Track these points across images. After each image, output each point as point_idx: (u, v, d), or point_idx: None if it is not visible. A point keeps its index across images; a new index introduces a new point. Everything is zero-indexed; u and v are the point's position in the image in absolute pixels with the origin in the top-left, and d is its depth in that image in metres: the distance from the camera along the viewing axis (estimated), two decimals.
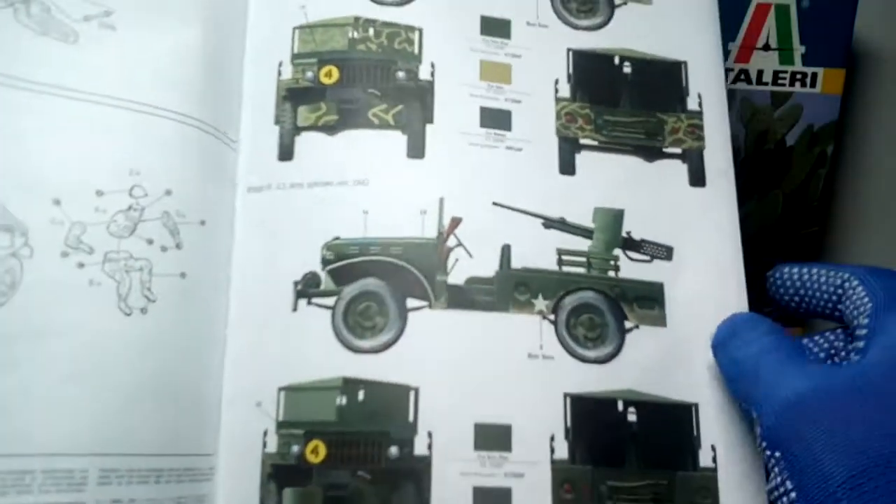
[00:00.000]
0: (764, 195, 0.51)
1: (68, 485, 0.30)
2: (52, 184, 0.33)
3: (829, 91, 0.51)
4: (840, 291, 0.36)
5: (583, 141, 0.41)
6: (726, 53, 0.50)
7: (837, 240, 0.54)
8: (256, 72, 0.40)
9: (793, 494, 0.29)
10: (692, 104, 0.42)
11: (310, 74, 0.40)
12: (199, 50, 0.38)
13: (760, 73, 0.51)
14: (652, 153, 0.41)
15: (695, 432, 0.37)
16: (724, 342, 0.36)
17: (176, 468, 0.33)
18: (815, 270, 0.37)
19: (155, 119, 0.36)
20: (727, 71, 0.51)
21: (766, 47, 0.51)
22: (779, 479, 0.30)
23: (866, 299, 0.33)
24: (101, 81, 0.35)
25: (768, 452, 0.31)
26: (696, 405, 0.37)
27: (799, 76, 0.51)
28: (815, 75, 0.51)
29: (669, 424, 0.37)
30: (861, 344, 0.32)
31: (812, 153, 0.51)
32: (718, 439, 0.37)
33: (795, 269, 0.38)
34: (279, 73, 0.40)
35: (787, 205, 0.52)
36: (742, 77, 0.51)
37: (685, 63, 0.42)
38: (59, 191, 0.33)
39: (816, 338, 0.38)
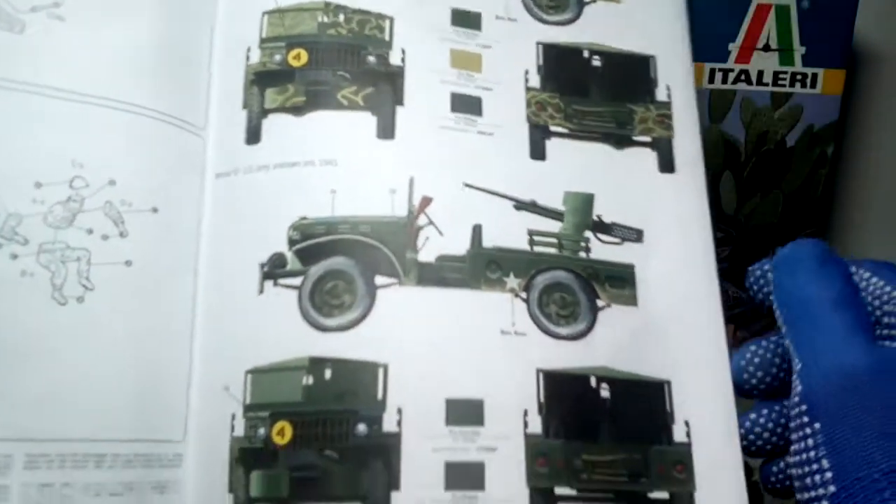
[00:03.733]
0: (764, 195, 0.51)
1: None
2: None
3: (830, 91, 0.51)
4: None
5: (553, 128, 0.41)
6: (726, 54, 0.51)
7: (837, 240, 0.54)
8: (225, 58, 0.40)
9: (828, 474, 0.28)
10: (661, 95, 0.42)
11: (278, 57, 0.39)
12: (155, 40, 0.38)
13: (761, 73, 0.51)
14: (621, 141, 0.41)
15: (668, 408, 0.36)
16: (791, 267, 0.33)
17: (123, 454, 0.32)
18: None
19: (101, 110, 0.36)
20: (727, 72, 0.52)
21: (767, 48, 0.51)
22: (812, 452, 0.28)
23: (888, 288, 0.32)
24: (46, 73, 0.35)
25: (805, 419, 0.29)
26: (669, 382, 0.37)
27: (799, 77, 0.51)
28: (815, 76, 0.51)
29: (642, 400, 0.36)
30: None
31: (812, 153, 0.52)
32: (692, 415, 0.36)
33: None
34: (248, 59, 0.40)
35: (787, 205, 0.52)
36: (742, 77, 0.52)
37: (653, 57, 0.43)
38: None
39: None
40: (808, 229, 0.52)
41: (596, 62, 0.42)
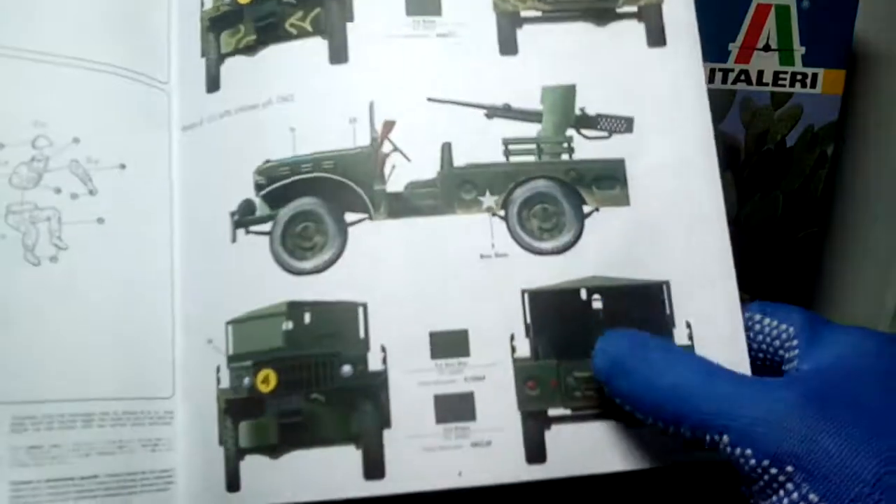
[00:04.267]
0: (764, 195, 0.51)
1: None
2: None
3: (830, 91, 0.51)
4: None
5: (524, 13, 0.37)
6: (726, 54, 0.50)
7: (837, 240, 0.54)
8: (182, 10, 0.39)
9: None
10: None
11: None
12: None
13: (761, 73, 0.51)
14: (604, 15, 0.37)
15: (668, 310, 0.34)
16: (625, 369, 0.31)
17: (111, 412, 0.33)
18: None
19: (61, 69, 0.36)
20: (727, 72, 0.50)
21: (767, 48, 0.51)
22: (795, 494, 0.27)
23: (783, 325, 0.33)
24: (2, 33, 0.35)
25: (774, 471, 0.27)
26: (668, 282, 0.35)
27: (799, 77, 0.51)
28: (815, 76, 0.51)
29: (639, 306, 0.34)
30: (794, 363, 0.31)
31: (812, 153, 0.51)
32: (693, 314, 0.34)
33: None
34: (202, 5, 0.38)
35: (787, 205, 0.51)
36: (742, 78, 0.51)
37: None
38: None
39: None
40: (807, 229, 0.51)
41: None
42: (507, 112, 0.36)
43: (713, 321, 0.34)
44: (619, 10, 0.37)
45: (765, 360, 0.34)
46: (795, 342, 0.32)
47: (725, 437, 0.28)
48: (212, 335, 0.35)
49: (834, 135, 0.51)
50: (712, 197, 0.36)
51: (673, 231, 0.35)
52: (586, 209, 0.35)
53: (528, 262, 0.35)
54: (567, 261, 0.35)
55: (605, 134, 0.36)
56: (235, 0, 0.38)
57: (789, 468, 0.27)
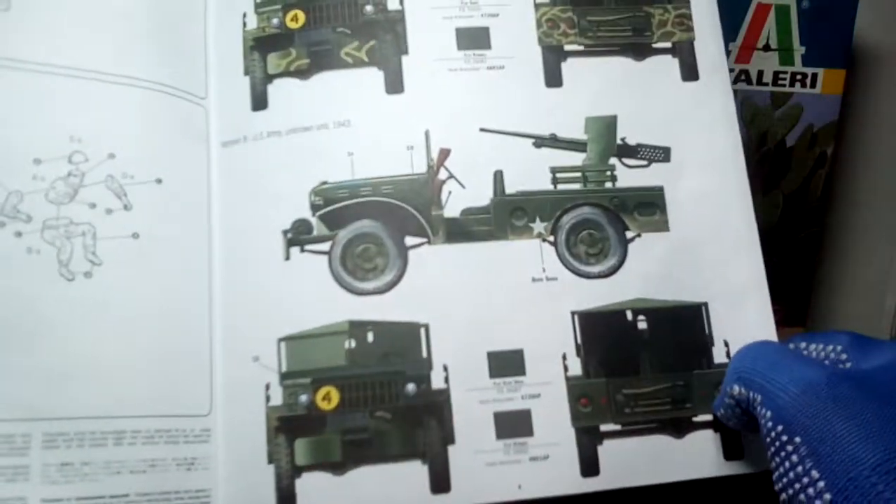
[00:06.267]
0: (764, 195, 0.51)
1: (10, 449, 0.30)
2: None
3: (829, 91, 0.51)
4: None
5: (567, 47, 0.39)
6: (727, 54, 0.49)
7: (837, 240, 0.54)
8: (220, 26, 0.39)
9: (820, 483, 0.27)
10: None
11: (276, 21, 0.38)
12: (144, 11, 0.37)
13: (761, 73, 0.51)
14: (641, 51, 0.40)
15: (707, 330, 0.37)
16: (748, 350, 0.34)
17: (143, 430, 0.33)
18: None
19: (96, 84, 0.36)
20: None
21: (767, 48, 0.51)
22: (800, 468, 0.28)
23: (821, 345, 0.34)
24: (36, 50, 0.35)
25: (785, 437, 0.29)
26: (706, 304, 0.37)
27: (799, 77, 0.51)
28: (815, 76, 0.51)
29: (680, 327, 0.37)
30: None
31: (812, 153, 0.51)
32: (730, 333, 0.37)
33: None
34: (244, 25, 0.39)
35: (787, 205, 0.52)
36: (742, 78, 0.51)
37: None
38: None
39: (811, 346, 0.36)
40: (807, 229, 0.52)
41: None
42: (553, 141, 0.38)
43: (749, 339, 0.36)
44: (654, 46, 0.40)
45: None
46: (845, 356, 0.32)
47: (759, 397, 0.31)
48: (259, 352, 0.35)
49: (834, 135, 0.51)
50: (746, 221, 0.38)
51: (710, 254, 0.37)
52: (629, 235, 0.38)
53: (576, 286, 0.37)
54: (612, 284, 0.37)
55: (644, 163, 0.39)
56: (284, 24, 0.38)
57: (797, 439, 0.29)
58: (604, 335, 0.36)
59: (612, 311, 0.37)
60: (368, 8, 0.38)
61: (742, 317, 0.37)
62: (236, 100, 0.38)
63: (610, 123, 0.39)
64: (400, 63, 0.38)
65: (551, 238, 0.37)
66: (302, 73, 0.38)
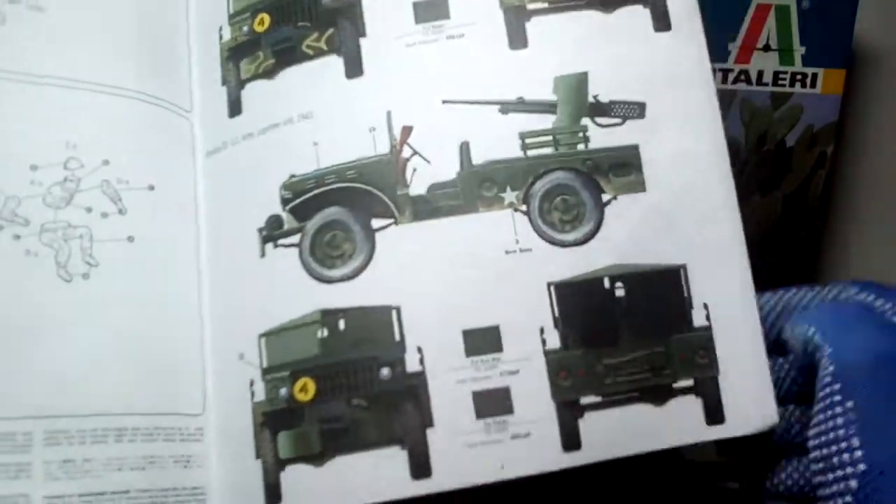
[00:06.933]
0: (764, 195, 0.51)
1: (12, 447, 0.31)
2: None
3: (829, 91, 0.51)
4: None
5: (531, 6, 0.37)
6: (726, 54, 0.51)
7: (837, 240, 0.54)
8: (201, 41, 0.40)
9: (858, 452, 0.27)
10: None
11: (245, 28, 0.39)
12: (134, 25, 0.39)
13: (760, 73, 0.51)
14: (610, 1, 0.37)
15: (685, 293, 0.35)
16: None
17: (143, 427, 0.34)
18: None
19: (90, 94, 0.37)
20: (727, 71, 0.51)
21: (767, 48, 0.51)
22: (842, 430, 0.28)
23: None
24: (32, 61, 0.36)
25: (839, 397, 0.29)
26: (684, 266, 0.35)
27: (799, 77, 0.51)
28: (815, 76, 0.51)
29: (659, 291, 0.35)
30: None
31: (812, 154, 0.51)
32: (710, 297, 0.35)
33: None
34: (220, 37, 0.40)
35: (786, 206, 0.52)
36: (742, 78, 0.51)
37: None
38: None
39: None
40: (807, 229, 0.52)
41: None
42: (521, 105, 0.37)
43: (729, 304, 0.35)
44: None
45: None
46: None
47: (829, 349, 0.30)
48: (243, 350, 0.35)
49: (834, 135, 0.51)
50: (724, 180, 0.36)
51: (688, 216, 0.35)
52: (605, 198, 0.36)
53: (552, 255, 0.35)
54: (589, 251, 0.35)
55: (618, 121, 0.37)
56: (252, 29, 0.39)
57: (849, 403, 0.28)
58: (582, 305, 0.35)
59: (589, 279, 0.35)
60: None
61: (722, 278, 0.35)
62: (216, 109, 0.39)
63: (580, 81, 0.37)
64: (358, 46, 0.37)
65: (523, 207, 0.36)
66: (269, 73, 0.38)
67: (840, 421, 0.28)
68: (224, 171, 0.38)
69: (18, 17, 0.36)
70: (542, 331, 0.34)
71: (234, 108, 0.38)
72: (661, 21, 0.37)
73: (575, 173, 0.36)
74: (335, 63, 0.37)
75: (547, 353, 0.34)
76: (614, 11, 0.37)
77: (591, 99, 0.37)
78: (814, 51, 0.50)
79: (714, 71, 0.48)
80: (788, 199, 0.51)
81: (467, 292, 0.35)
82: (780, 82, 0.51)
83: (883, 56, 0.53)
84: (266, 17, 0.39)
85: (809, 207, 0.51)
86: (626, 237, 0.35)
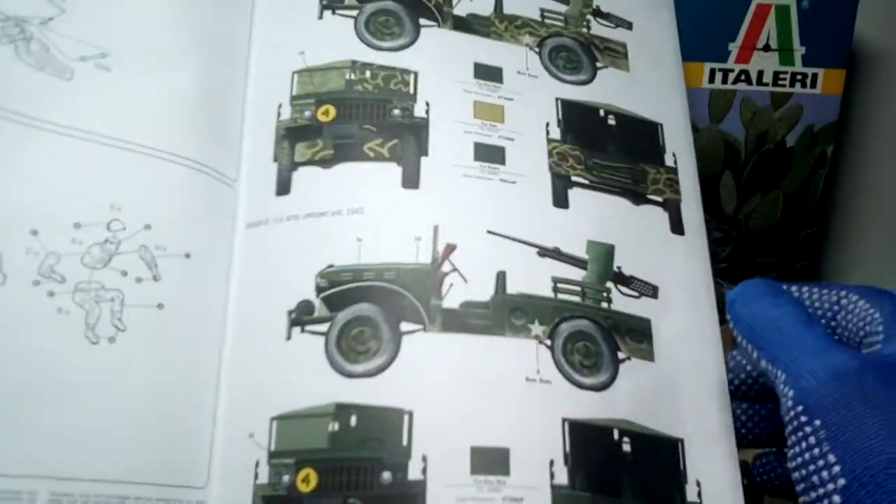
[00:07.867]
0: (764, 195, 0.51)
1: None
2: (31, 214, 0.34)
3: (829, 91, 0.51)
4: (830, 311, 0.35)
5: (574, 178, 0.42)
6: (726, 54, 0.51)
7: (837, 240, 0.53)
8: (257, 114, 0.41)
9: (836, 468, 0.28)
10: (669, 161, 0.44)
11: (307, 114, 0.41)
12: (193, 94, 0.39)
13: (761, 73, 0.51)
14: (637, 197, 0.42)
15: (681, 467, 0.36)
16: (747, 299, 0.34)
17: (145, 497, 0.32)
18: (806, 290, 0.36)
19: (140, 157, 0.37)
20: (727, 71, 0.52)
21: (767, 48, 0.51)
22: (816, 450, 0.29)
23: (872, 310, 0.33)
24: (90, 119, 0.36)
25: (804, 419, 0.29)
26: (682, 440, 0.37)
27: (799, 77, 0.51)
28: (815, 76, 0.51)
29: (659, 457, 0.36)
30: (877, 346, 0.32)
31: (812, 154, 0.51)
32: (702, 474, 0.36)
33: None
34: (279, 115, 0.41)
35: (786, 205, 0.52)
36: (742, 78, 0.51)
37: (661, 125, 0.45)
38: (38, 221, 0.34)
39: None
40: (807, 229, 0.51)
41: (611, 121, 0.44)
42: (556, 254, 0.39)
43: (718, 485, 0.37)
44: (649, 196, 0.43)
45: (849, 342, 0.35)
46: (881, 328, 0.32)
47: (783, 376, 0.31)
48: (254, 429, 0.35)
49: (834, 135, 0.50)
50: (718, 371, 0.39)
51: (686, 393, 0.38)
52: (620, 355, 0.38)
53: (569, 393, 0.36)
54: (603, 399, 0.36)
55: (635, 294, 0.40)
56: (315, 116, 0.41)
57: (817, 422, 0.29)
58: (592, 449, 0.35)
59: (601, 426, 0.36)
60: (396, 112, 0.41)
61: (710, 462, 0.37)
62: (263, 184, 0.39)
63: (609, 250, 0.40)
64: (419, 162, 0.40)
65: (548, 342, 0.37)
66: (325, 163, 0.40)
67: (812, 440, 0.29)
68: (262, 247, 0.38)
69: (86, 75, 0.37)
70: (551, 463, 0.35)
71: (283, 188, 0.39)
72: (677, 226, 0.43)
73: (597, 326, 0.38)
74: (394, 170, 0.39)
75: (554, 488, 0.34)
76: (640, 206, 0.42)
77: (615, 268, 0.40)
78: (814, 51, 0.50)
79: (714, 71, 0.50)
80: (789, 199, 0.51)
81: (482, 410, 0.35)
82: (780, 82, 0.51)
83: (883, 56, 0.52)
84: (332, 110, 0.41)
85: (809, 207, 0.51)
86: (635, 397, 0.37)
